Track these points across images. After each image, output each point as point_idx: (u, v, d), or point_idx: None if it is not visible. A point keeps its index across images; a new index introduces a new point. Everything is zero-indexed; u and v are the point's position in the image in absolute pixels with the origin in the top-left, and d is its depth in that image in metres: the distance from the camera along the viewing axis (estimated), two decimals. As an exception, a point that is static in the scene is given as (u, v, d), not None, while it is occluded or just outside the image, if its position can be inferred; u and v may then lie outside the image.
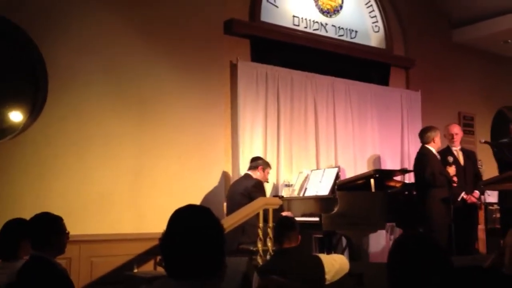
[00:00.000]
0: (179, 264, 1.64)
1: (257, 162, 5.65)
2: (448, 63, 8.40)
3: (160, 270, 4.85)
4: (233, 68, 6.19)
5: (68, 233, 3.01)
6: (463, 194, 5.70)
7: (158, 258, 5.00)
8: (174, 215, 1.71)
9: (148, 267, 5.23)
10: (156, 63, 5.64)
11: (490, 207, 6.57)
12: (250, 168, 5.65)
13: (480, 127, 8.67)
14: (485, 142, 6.16)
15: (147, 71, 5.58)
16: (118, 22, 5.45)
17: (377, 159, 7.22)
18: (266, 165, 5.70)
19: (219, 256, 1.68)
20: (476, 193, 5.76)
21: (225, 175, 6.01)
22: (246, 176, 5.61)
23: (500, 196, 5.99)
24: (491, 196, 6.29)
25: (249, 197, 5.21)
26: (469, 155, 6.08)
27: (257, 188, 5.35)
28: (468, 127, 8.35)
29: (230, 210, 5.33)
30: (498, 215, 6.50)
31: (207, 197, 5.75)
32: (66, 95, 5.11)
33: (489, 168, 6.50)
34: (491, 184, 5.58)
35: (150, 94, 5.59)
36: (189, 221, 1.69)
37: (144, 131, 5.50)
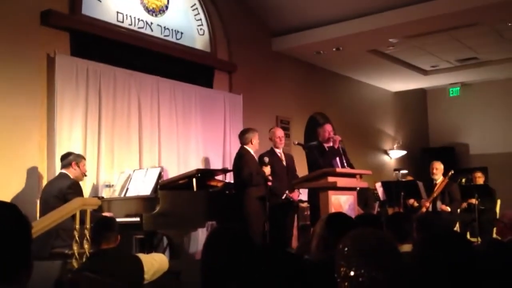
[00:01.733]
0: None
1: (68, 159, 5.28)
2: (268, 69, 8.92)
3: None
4: (51, 61, 5.84)
5: None
6: (287, 192, 6.10)
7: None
8: None
9: None
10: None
11: (302, 205, 7.13)
12: (63, 166, 5.29)
13: (295, 130, 9.35)
14: (298, 144, 6.67)
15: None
16: None
17: (201, 159, 7.37)
18: (79, 158, 5.36)
19: (24, 256, 1.55)
20: (297, 191, 6.22)
21: (39, 173, 5.64)
22: (62, 175, 5.26)
23: (309, 194, 6.49)
24: (302, 195, 6.78)
25: (64, 200, 4.87)
26: (289, 157, 6.56)
27: (73, 189, 5.04)
28: (285, 130, 8.94)
29: (44, 214, 4.90)
30: (308, 212, 7.07)
31: (17, 197, 5.36)
32: None
33: (301, 168, 7.02)
34: (301, 182, 6.04)
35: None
36: None
37: None
